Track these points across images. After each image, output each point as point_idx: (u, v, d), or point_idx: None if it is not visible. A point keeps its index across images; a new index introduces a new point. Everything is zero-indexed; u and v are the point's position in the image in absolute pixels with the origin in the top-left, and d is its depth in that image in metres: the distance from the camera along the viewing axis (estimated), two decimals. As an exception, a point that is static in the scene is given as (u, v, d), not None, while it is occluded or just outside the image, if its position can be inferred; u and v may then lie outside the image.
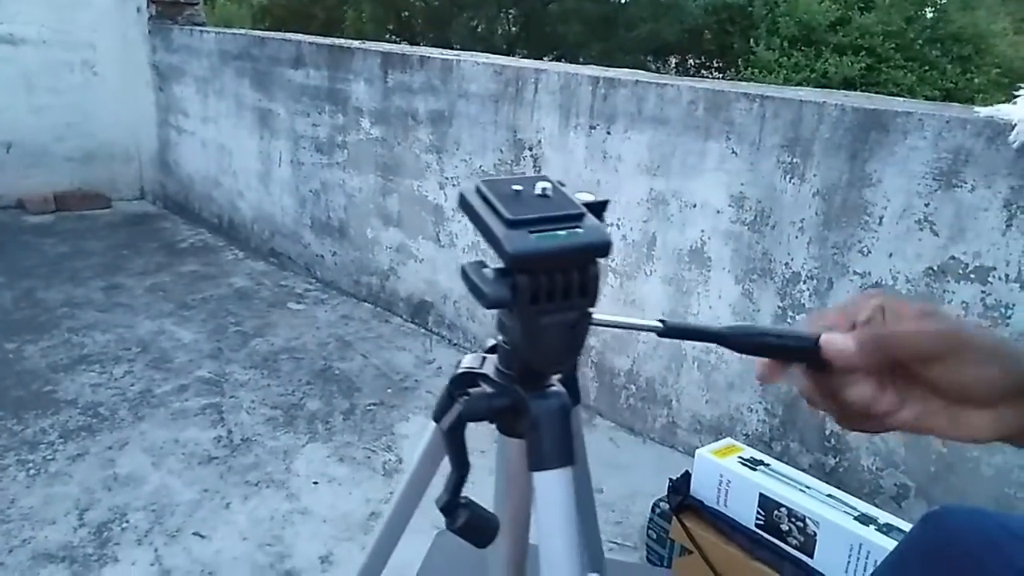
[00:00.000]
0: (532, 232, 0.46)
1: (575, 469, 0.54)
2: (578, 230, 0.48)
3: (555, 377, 0.57)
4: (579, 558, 0.53)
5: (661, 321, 0.50)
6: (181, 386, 2.28)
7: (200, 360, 2.46)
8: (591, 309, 0.50)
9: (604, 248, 0.48)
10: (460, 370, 0.58)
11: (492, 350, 0.58)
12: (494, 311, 0.51)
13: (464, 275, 0.48)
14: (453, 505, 0.52)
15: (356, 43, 3.06)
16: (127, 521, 1.68)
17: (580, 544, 0.53)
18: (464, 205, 0.50)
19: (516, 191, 0.50)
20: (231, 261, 3.47)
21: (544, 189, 0.51)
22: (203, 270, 3.31)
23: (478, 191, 0.50)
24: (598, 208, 0.51)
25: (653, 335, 0.52)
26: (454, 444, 0.53)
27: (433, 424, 0.62)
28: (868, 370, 0.49)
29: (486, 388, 0.55)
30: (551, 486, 0.53)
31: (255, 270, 3.36)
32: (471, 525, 0.52)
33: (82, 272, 3.16)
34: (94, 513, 1.70)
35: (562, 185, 0.53)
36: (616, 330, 2.11)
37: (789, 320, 1.81)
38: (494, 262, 0.49)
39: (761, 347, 0.49)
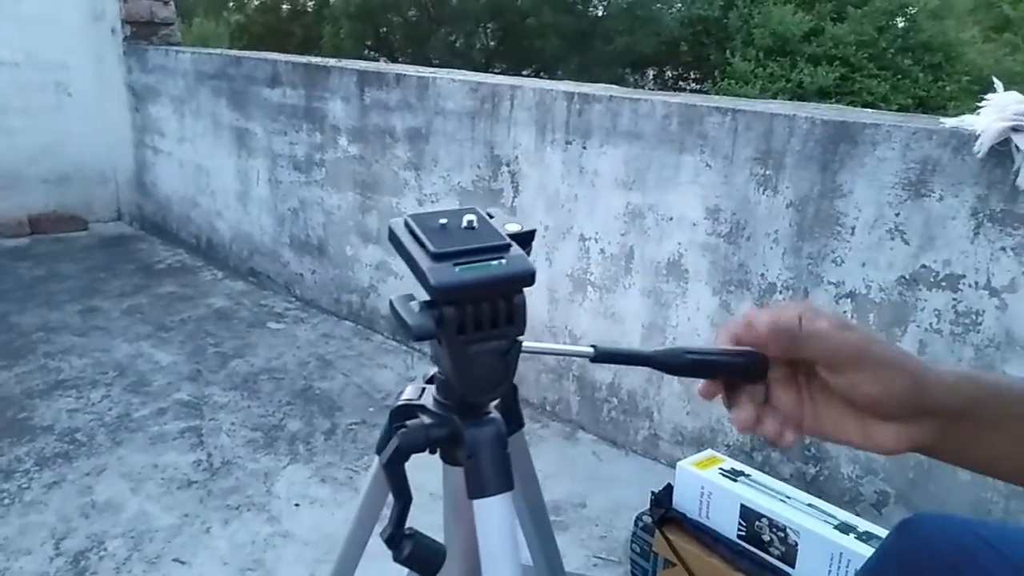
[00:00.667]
0: (456, 265, 0.47)
1: (526, 490, 0.54)
2: (502, 261, 0.49)
3: (493, 404, 0.58)
4: None
5: (592, 346, 0.51)
6: (160, 409, 2.26)
7: (179, 383, 2.43)
8: (520, 337, 0.51)
9: (528, 278, 0.49)
10: (400, 402, 0.59)
11: (431, 380, 0.59)
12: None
13: (391, 307, 0.49)
14: (398, 537, 0.52)
15: (332, 61, 3.06)
16: (105, 549, 1.66)
17: (522, 568, 0.54)
18: (393, 239, 0.51)
19: (442, 224, 0.51)
20: (209, 281, 3.45)
21: (470, 222, 0.51)
22: (181, 291, 3.29)
23: (406, 225, 0.51)
24: (525, 238, 0.52)
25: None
26: (394, 476, 0.53)
27: (377, 459, 0.62)
28: (779, 361, 0.51)
29: (424, 419, 0.55)
30: (491, 512, 0.54)
31: (234, 290, 3.34)
32: (417, 555, 0.52)
33: (58, 296, 3.13)
34: (71, 542, 1.67)
35: (491, 216, 0.53)
36: (597, 343, 2.12)
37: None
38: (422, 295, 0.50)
39: (687, 366, 0.50)
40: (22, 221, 3.92)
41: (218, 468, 1.98)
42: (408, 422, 0.56)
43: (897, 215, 1.58)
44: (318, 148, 2.94)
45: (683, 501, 1.55)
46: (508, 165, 2.28)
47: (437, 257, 0.47)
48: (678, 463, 1.57)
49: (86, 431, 2.12)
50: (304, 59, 3.16)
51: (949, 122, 1.54)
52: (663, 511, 1.55)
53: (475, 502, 0.54)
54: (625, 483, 1.98)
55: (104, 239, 4.03)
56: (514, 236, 0.52)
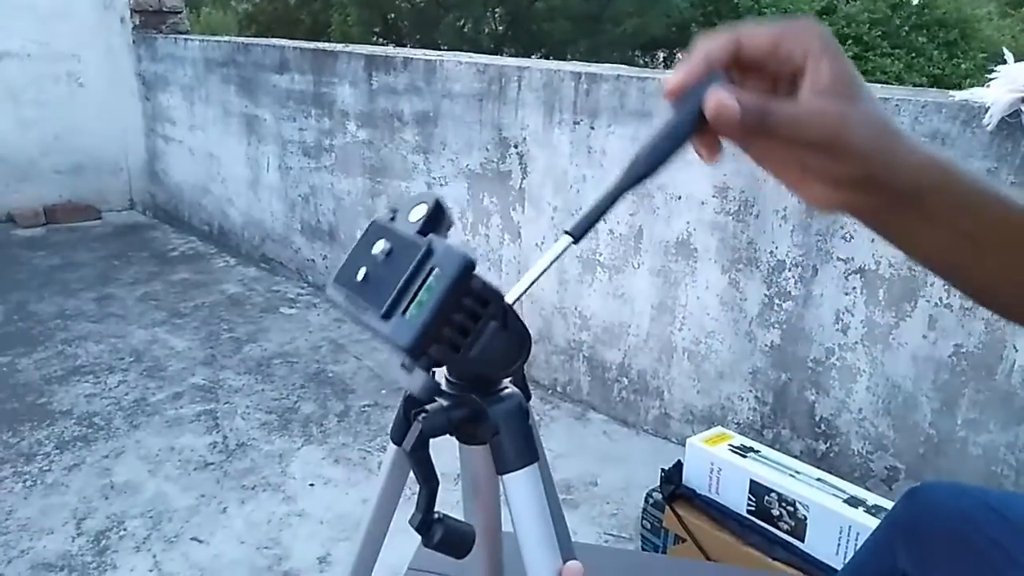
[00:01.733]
0: (405, 311, 0.46)
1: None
2: (437, 272, 0.46)
3: (507, 380, 0.57)
4: (556, 549, 0.54)
5: (566, 233, 0.47)
6: (175, 393, 2.29)
7: (194, 367, 2.46)
8: (504, 303, 0.50)
9: (468, 268, 0.46)
10: None
11: (439, 362, 0.58)
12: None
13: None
14: (427, 522, 0.52)
15: (340, 46, 3.06)
16: (125, 528, 1.69)
17: (554, 535, 0.54)
18: (344, 315, 0.50)
19: (365, 275, 0.49)
20: (222, 268, 3.48)
21: (383, 249, 0.49)
22: (194, 278, 3.32)
23: (338, 289, 0.49)
24: (436, 216, 0.49)
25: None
26: (420, 463, 0.54)
27: (393, 446, 0.62)
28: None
29: (441, 402, 0.55)
30: (522, 485, 0.54)
31: (247, 276, 3.37)
32: (447, 539, 0.52)
33: (74, 284, 3.17)
34: (92, 522, 1.71)
35: (394, 216, 0.51)
36: (607, 323, 2.13)
37: (775, 309, 1.82)
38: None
39: (661, 152, 0.45)
40: (37, 211, 3.97)
41: (233, 450, 2.01)
42: (427, 406, 0.55)
43: (907, 190, 1.57)
44: (327, 133, 2.95)
45: (693, 477, 1.56)
46: (516, 147, 2.28)
47: (386, 316, 0.46)
48: (688, 440, 1.58)
49: (104, 415, 2.15)
50: (312, 45, 3.16)
51: (959, 95, 1.52)
52: (673, 487, 1.56)
53: (504, 478, 0.54)
54: (636, 461, 1.99)
55: (118, 228, 4.07)
56: (427, 222, 0.49)
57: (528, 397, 0.60)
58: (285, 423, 2.15)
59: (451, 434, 0.55)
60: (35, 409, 2.17)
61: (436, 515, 0.52)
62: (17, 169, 3.96)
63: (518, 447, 0.54)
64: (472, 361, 0.49)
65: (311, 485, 1.87)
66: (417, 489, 0.51)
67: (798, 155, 0.44)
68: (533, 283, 0.49)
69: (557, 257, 0.48)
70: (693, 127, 0.43)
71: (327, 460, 1.98)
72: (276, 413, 2.20)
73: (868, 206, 0.45)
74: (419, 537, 0.52)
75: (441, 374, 0.57)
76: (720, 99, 0.41)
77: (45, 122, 4.00)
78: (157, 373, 2.42)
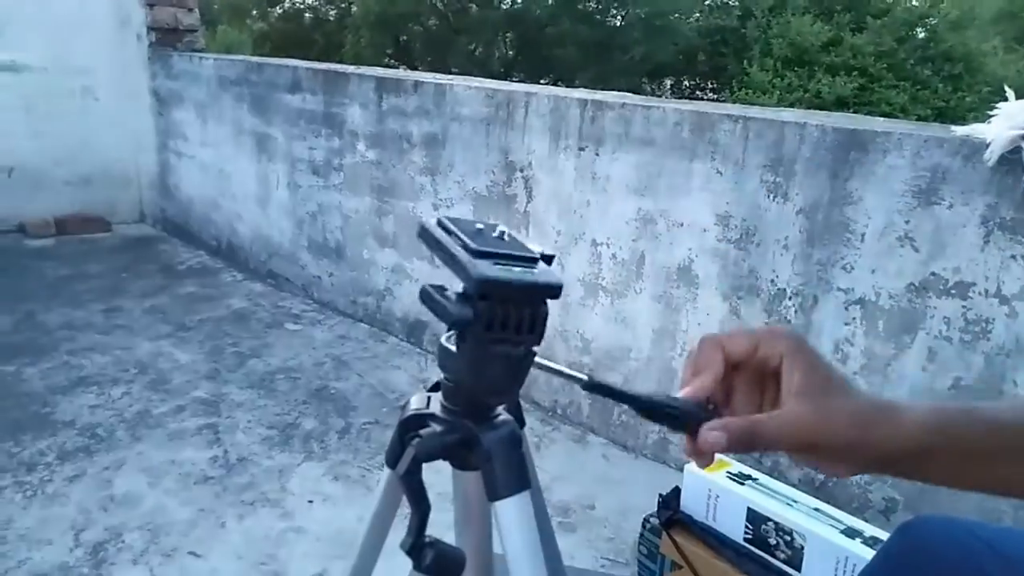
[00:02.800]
0: (495, 263, 0.49)
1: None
2: (534, 270, 0.51)
3: (500, 408, 0.59)
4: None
5: (587, 375, 0.53)
6: (178, 407, 2.30)
7: (197, 381, 2.48)
8: (535, 347, 0.53)
9: (557, 290, 0.52)
10: (408, 413, 0.60)
11: (435, 388, 0.60)
12: (445, 342, 0.53)
13: (425, 295, 0.50)
14: (418, 546, 0.53)
15: (351, 68, 3.11)
16: (123, 541, 1.70)
17: (543, 563, 0.55)
18: (424, 235, 0.53)
19: (479, 229, 0.53)
20: (229, 283, 3.51)
21: (502, 233, 0.54)
22: (201, 292, 3.34)
23: (440, 224, 0.53)
24: (548, 259, 0.55)
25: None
26: (412, 486, 0.55)
27: (388, 470, 0.63)
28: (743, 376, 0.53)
29: (435, 427, 0.56)
30: (512, 513, 0.55)
31: (253, 291, 3.39)
32: (438, 563, 0.53)
33: (82, 295, 3.20)
34: (90, 533, 1.72)
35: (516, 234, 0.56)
36: (608, 347, 2.14)
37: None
38: (454, 288, 0.52)
39: (662, 417, 0.51)
40: (48, 222, 4.01)
41: (234, 464, 2.01)
42: (422, 431, 0.57)
43: (907, 223, 1.59)
44: (336, 153, 2.99)
45: (690, 503, 1.56)
46: (522, 171, 2.31)
47: (477, 254, 0.50)
48: (686, 466, 1.58)
49: (106, 427, 2.17)
50: (324, 66, 3.21)
51: (960, 131, 1.55)
52: (670, 513, 1.56)
53: (495, 504, 0.55)
54: (634, 486, 1.99)
55: (127, 240, 4.11)
56: (540, 252, 0.54)
57: (522, 424, 0.62)
58: (286, 439, 2.16)
59: (444, 459, 0.56)
60: (38, 419, 2.19)
61: (427, 539, 0.53)
62: (30, 180, 4.01)
63: (509, 475, 0.56)
64: (484, 355, 0.51)
65: (310, 502, 1.88)
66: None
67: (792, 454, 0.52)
68: (548, 369, 0.55)
69: (567, 376, 0.54)
70: (686, 430, 0.51)
71: (327, 477, 1.98)
72: (277, 428, 2.21)
73: (883, 471, 0.53)
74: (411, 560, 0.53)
75: (437, 400, 0.59)
76: (710, 440, 0.48)
77: (59, 134, 4.05)
78: (161, 386, 2.43)
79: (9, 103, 3.89)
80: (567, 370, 0.53)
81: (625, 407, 0.54)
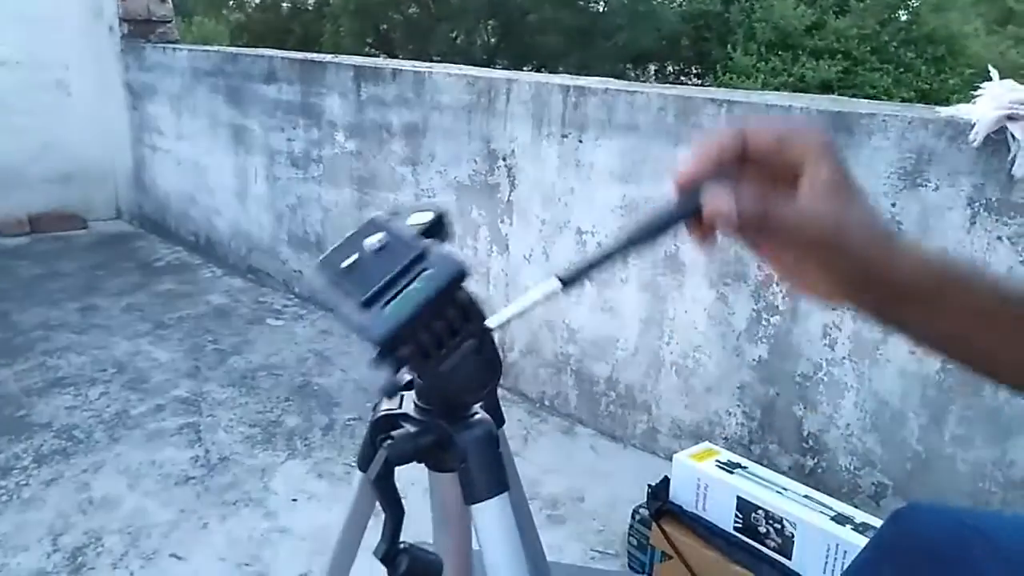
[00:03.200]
0: (386, 305, 0.44)
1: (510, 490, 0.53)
2: (428, 272, 0.45)
3: (477, 406, 0.56)
4: None
5: (558, 278, 0.46)
6: (157, 406, 2.26)
7: (177, 379, 2.43)
8: (485, 325, 0.49)
9: (460, 276, 0.46)
10: (379, 413, 0.57)
11: (408, 386, 0.56)
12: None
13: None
14: (393, 553, 0.51)
15: (329, 57, 3.06)
16: (102, 545, 1.66)
17: (525, 565, 0.53)
18: (319, 298, 0.49)
19: (353, 262, 0.48)
20: (208, 279, 3.45)
21: (379, 241, 0.48)
22: (180, 288, 3.29)
23: (321, 272, 0.49)
24: (437, 226, 0.49)
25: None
26: (385, 491, 0.52)
27: (360, 473, 0.60)
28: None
29: (409, 428, 0.53)
30: (491, 516, 0.53)
31: (233, 287, 3.34)
32: (413, 570, 0.51)
33: (57, 294, 3.13)
34: (68, 538, 1.68)
35: (394, 216, 0.50)
36: (594, 337, 2.12)
37: (763, 324, 1.82)
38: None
39: (656, 230, 0.46)
40: (22, 220, 3.93)
41: (215, 464, 1.98)
42: (393, 433, 0.54)
43: (893, 205, 1.57)
44: (315, 144, 2.94)
45: (680, 493, 1.54)
46: (504, 159, 2.27)
47: (366, 304, 0.45)
48: (675, 455, 1.56)
49: (84, 428, 2.12)
50: (300, 55, 3.15)
51: (945, 111, 1.53)
52: (660, 504, 1.54)
53: (473, 507, 0.53)
54: (623, 477, 1.97)
55: (104, 237, 4.03)
56: (427, 229, 0.48)
57: (500, 423, 0.59)
58: (269, 436, 2.12)
59: (418, 461, 0.53)
60: (14, 422, 2.14)
61: (402, 545, 0.50)
62: (3, 177, 3.92)
63: (487, 476, 0.53)
64: (439, 376, 0.48)
65: (294, 500, 1.84)
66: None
67: (796, 252, 0.46)
68: (515, 316, 0.48)
69: (544, 298, 0.47)
70: (689, 217, 0.45)
71: (311, 475, 1.95)
72: (260, 426, 2.17)
73: (867, 301, 0.47)
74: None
75: (409, 399, 0.55)
76: (718, 203, 0.43)
77: (33, 131, 3.96)
78: (140, 385, 2.38)
79: (-19, 99, 3.80)
80: (536, 295, 0.46)
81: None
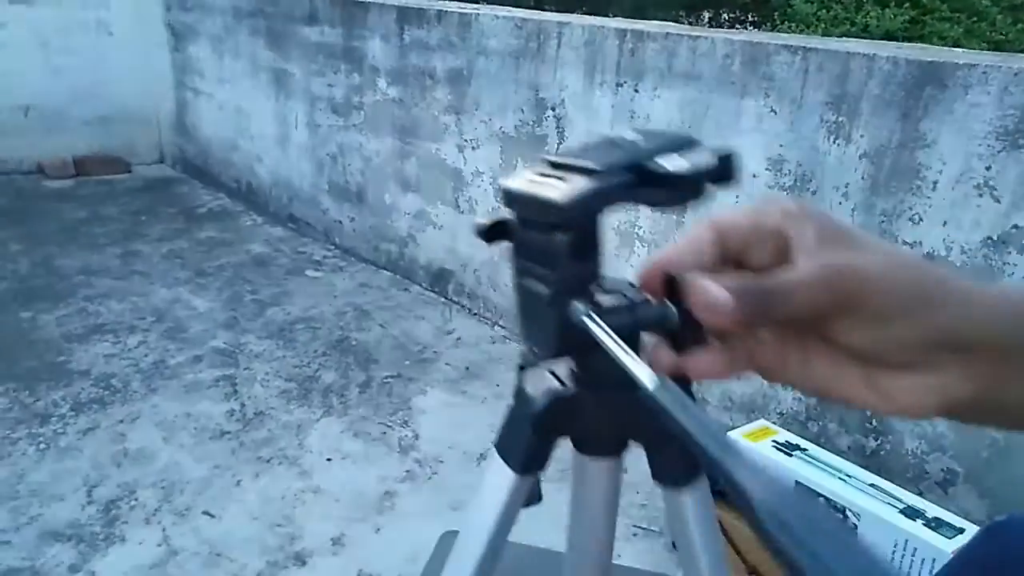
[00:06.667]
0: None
1: None
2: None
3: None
4: None
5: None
6: (195, 357, 2.23)
7: (215, 330, 2.40)
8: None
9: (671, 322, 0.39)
10: (548, 398, 0.42)
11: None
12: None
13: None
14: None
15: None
16: (136, 499, 1.64)
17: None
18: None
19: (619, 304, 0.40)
20: (249, 227, 3.41)
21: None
22: (221, 236, 3.25)
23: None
24: (723, 169, 0.38)
25: None
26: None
27: (499, 461, 0.44)
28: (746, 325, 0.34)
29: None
30: (699, 502, 0.44)
31: (273, 236, 3.29)
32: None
33: (100, 239, 3.12)
34: (103, 490, 1.66)
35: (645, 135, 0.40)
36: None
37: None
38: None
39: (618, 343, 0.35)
40: (67, 162, 3.93)
41: (251, 419, 1.94)
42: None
43: (988, 168, 1.41)
44: (356, 90, 2.83)
45: (732, 474, 1.44)
46: (553, 109, 2.13)
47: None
48: (728, 434, 1.46)
49: (121, 377, 2.10)
50: (343, -4, 3.02)
51: (1057, 63, 1.35)
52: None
53: (676, 493, 0.43)
54: (669, 449, 1.88)
55: (147, 181, 4.01)
56: (686, 177, 0.35)
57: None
58: (305, 392, 2.08)
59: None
60: (53, 368, 2.13)
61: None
62: (47, 119, 3.91)
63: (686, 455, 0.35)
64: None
65: (328, 460, 1.80)
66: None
67: (832, 348, 0.34)
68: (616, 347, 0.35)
69: (624, 351, 0.34)
70: (663, 323, 0.37)
71: (346, 434, 1.90)
72: (296, 381, 2.13)
73: (968, 379, 0.32)
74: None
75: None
76: (709, 290, 0.33)
77: (74, 71, 3.93)
78: (178, 335, 2.36)
79: (24, 39, 3.76)
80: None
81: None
